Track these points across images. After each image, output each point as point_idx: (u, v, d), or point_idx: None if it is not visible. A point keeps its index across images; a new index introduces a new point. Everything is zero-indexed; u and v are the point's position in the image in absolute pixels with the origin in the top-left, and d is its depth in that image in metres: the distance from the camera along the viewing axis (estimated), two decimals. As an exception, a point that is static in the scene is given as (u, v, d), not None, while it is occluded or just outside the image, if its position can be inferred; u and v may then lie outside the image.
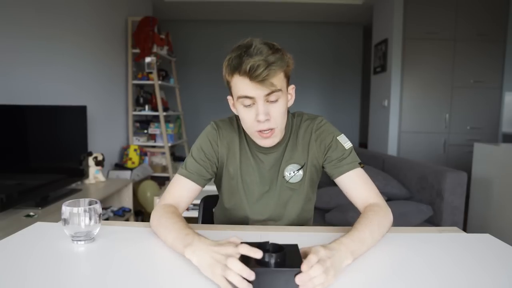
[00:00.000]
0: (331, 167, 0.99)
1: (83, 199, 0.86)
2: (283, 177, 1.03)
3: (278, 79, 0.88)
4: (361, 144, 5.61)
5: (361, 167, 0.99)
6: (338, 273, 0.67)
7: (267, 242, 0.65)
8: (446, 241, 0.90)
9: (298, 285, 0.60)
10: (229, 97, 0.98)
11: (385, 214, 0.90)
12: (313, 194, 1.10)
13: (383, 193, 2.19)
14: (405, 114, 3.77)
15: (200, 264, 0.67)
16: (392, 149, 3.82)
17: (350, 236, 0.77)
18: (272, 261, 0.61)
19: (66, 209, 0.81)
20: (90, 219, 0.82)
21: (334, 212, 2.12)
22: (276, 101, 0.89)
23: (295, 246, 0.67)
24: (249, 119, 0.91)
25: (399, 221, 1.90)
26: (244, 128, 0.97)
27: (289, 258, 0.62)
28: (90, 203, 0.85)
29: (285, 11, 4.83)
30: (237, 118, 1.06)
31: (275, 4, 4.53)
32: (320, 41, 5.41)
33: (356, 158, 0.99)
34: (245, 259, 0.62)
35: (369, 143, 4.42)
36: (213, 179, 1.09)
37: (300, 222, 1.08)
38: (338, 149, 0.99)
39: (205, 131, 1.05)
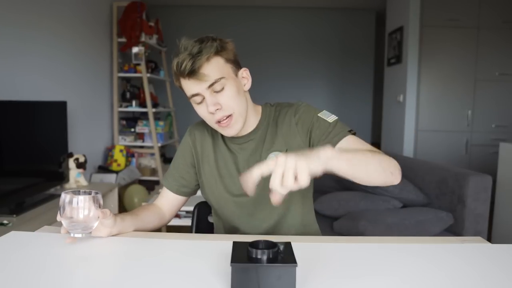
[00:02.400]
0: (320, 144, 0.98)
1: (83, 190, 0.90)
2: None
3: (214, 67, 0.94)
4: (374, 144, 5.59)
5: (352, 134, 1.00)
6: (315, 161, 0.71)
7: (260, 240, 0.70)
8: (468, 253, 0.90)
9: (290, 281, 0.65)
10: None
11: (383, 154, 0.91)
12: (309, 188, 1.11)
13: (397, 198, 2.19)
14: (422, 110, 3.77)
15: None
16: (408, 150, 3.82)
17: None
18: (265, 257, 0.66)
19: (66, 196, 0.84)
20: (89, 210, 0.85)
21: (344, 220, 2.12)
22: (222, 89, 0.96)
23: (288, 243, 0.73)
24: (204, 113, 0.99)
25: (416, 230, 1.90)
26: (208, 124, 1.03)
27: (282, 254, 0.68)
28: (90, 194, 0.87)
29: (289, -5, 4.83)
30: None
31: (277, -13, 4.53)
32: (328, 28, 5.41)
33: (344, 127, 1.01)
34: (237, 255, 0.67)
35: (383, 143, 4.42)
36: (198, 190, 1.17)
37: (302, 216, 1.10)
38: (321, 126, 1.01)
39: (182, 139, 1.17)
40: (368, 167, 0.84)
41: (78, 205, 0.84)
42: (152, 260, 0.82)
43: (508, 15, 3.64)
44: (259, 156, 1.05)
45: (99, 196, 0.87)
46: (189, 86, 0.96)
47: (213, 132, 1.11)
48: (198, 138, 1.12)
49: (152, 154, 3.81)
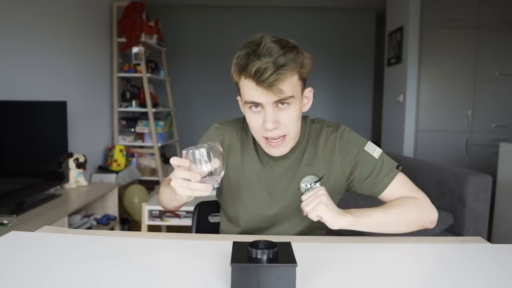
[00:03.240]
0: (368, 186, 1.00)
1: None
2: (299, 188, 1.02)
3: (290, 84, 0.87)
4: (374, 143, 5.61)
5: (400, 171, 1.00)
6: (332, 217, 0.84)
7: (260, 240, 0.71)
8: (468, 252, 0.90)
9: (290, 281, 0.66)
10: (238, 98, 0.98)
11: (417, 206, 0.94)
12: None
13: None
14: (422, 110, 3.77)
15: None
16: (408, 150, 3.82)
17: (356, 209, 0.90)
18: (265, 257, 0.67)
19: (196, 151, 0.80)
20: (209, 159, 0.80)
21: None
22: (286, 108, 0.89)
23: (288, 243, 0.73)
24: (256, 125, 0.91)
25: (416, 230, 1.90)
26: (253, 133, 0.97)
27: (282, 254, 0.69)
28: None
29: (289, -5, 4.83)
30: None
31: (277, -13, 4.53)
32: (328, 28, 5.41)
33: (391, 163, 1.01)
34: (237, 255, 0.68)
35: (383, 143, 4.42)
36: None
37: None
38: (368, 162, 0.99)
39: (206, 134, 1.08)
40: (391, 228, 0.90)
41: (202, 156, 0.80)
42: (153, 260, 0.82)
43: (508, 15, 3.64)
44: (294, 175, 1.01)
45: (216, 145, 0.81)
46: (254, 93, 0.87)
47: (243, 138, 1.05)
48: (227, 140, 1.04)
49: (152, 154, 3.81)
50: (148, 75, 3.63)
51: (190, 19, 5.34)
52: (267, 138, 0.92)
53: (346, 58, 5.48)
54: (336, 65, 5.49)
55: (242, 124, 1.06)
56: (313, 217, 0.84)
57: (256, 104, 0.88)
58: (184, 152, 0.81)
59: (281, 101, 0.87)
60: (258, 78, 0.83)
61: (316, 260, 0.83)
